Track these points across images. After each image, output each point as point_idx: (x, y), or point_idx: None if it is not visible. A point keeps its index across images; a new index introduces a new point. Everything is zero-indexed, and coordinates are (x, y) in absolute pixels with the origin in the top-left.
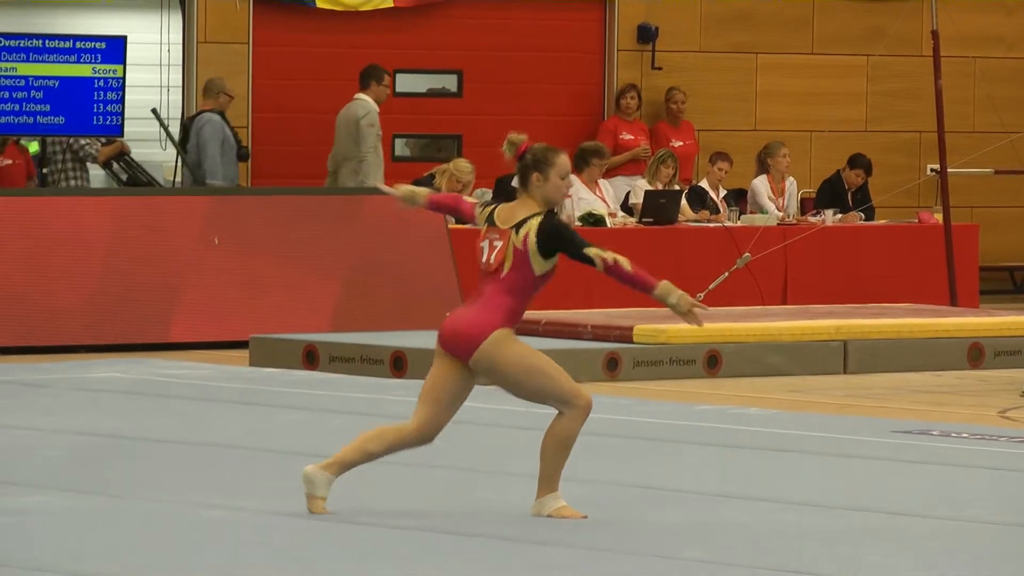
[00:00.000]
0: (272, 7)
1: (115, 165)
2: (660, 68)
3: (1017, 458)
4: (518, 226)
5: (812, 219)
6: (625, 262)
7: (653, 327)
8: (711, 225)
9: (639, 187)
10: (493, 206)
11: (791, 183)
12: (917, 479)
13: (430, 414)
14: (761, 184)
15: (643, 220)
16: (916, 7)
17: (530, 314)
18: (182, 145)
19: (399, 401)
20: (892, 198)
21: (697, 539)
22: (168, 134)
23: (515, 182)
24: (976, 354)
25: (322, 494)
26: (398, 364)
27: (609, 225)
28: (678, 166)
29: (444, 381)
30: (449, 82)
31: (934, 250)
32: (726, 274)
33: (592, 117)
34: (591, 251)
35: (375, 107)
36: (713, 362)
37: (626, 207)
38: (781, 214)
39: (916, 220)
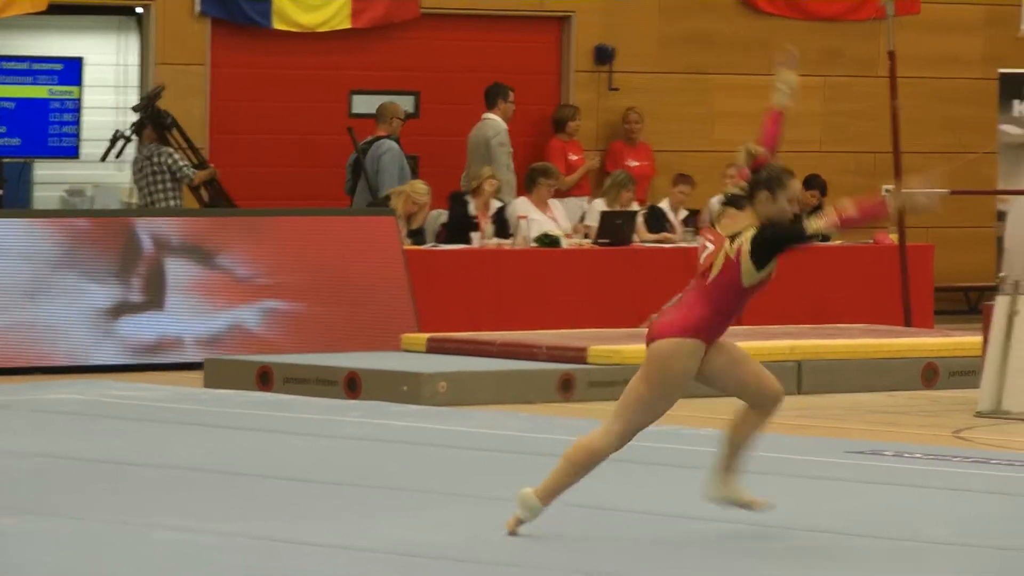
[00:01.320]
0: (229, 28)
1: (201, 189)
2: (617, 89)
3: (971, 478)
4: (734, 236)
5: None
6: (846, 208)
7: (607, 347)
8: (667, 246)
9: (595, 207)
10: (724, 202)
11: None
12: (871, 500)
13: (748, 399)
14: (717, 205)
15: (599, 241)
16: (873, 28)
17: (484, 335)
18: (358, 170)
19: (354, 422)
20: None
21: (650, 558)
22: (359, 156)
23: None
24: (930, 374)
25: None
26: (352, 385)
27: (564, 246)
28: (635, 188)
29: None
30: (406, 103)
31: (889, 270)
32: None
33: (547, 137)
34: (814, 227)
35: (504, 126)
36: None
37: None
38: None
39: (872, 241)
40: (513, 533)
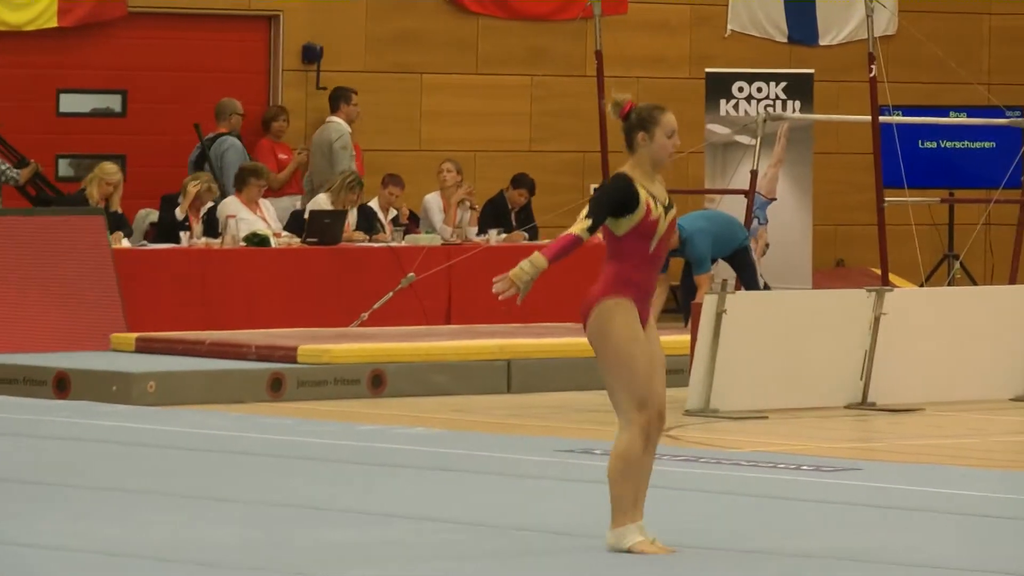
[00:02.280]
0: None
1: (27, 187)
2: (325, 88)
3: (681, 477)
4: None
5: (476, 239)
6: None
7: (317, 347)
8: (376, 245)
9: (320, 202)
10: None
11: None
12: (581, 498)
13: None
14: (433, 201)
15: (308, 240)
16: (580, 28)
17: (193, 334)
18: (201, 164)
19: (62, 422)
20: (556, 218)
21: (360, 559)
22: (203, 151)
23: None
24: None
25: (641, 537)
26: (61, 385)
27: (274, 245)
28: (362, 191)
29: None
30: (113, 102)
31: (599, 269)
32: (390, 294)
33: (258, 136)
34: (580, 227)
35: (347, 128)
36: (377, 382)
37: (297, 226)
38: (452, 230)
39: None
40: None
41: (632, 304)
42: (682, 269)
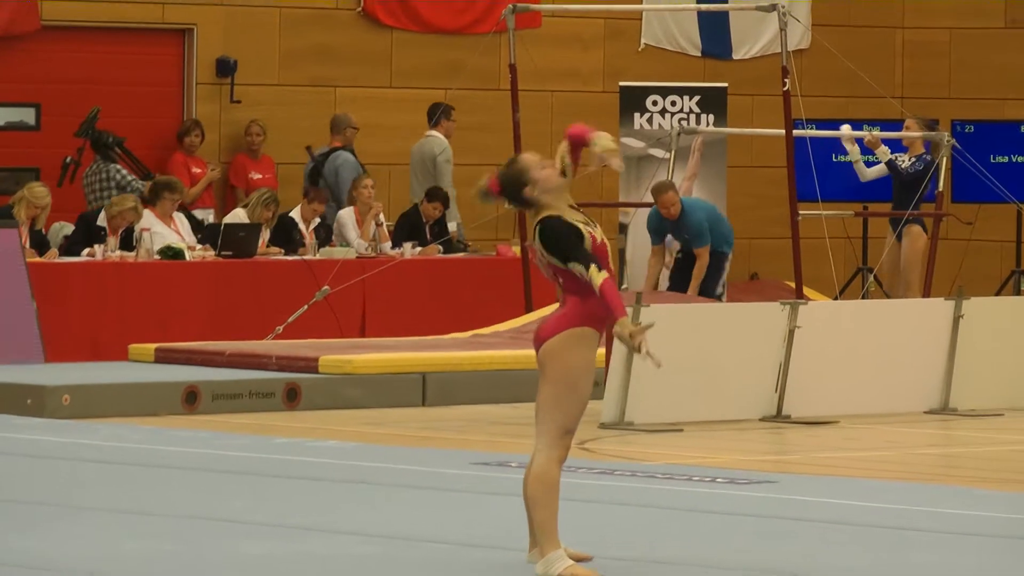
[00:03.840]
0: None
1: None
2: (239, 101)
3: (596, 489)
4: (534, 234)
5: (391, 252)
6: (602, 283)
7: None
8: (291, 258)
9: (237, 215)
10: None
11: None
12: (496, 510)
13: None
14: (348, 216)
15: (222, 253)
16: (494, 42)
17: (214, 345)
18: (315, 179)
19: None
20: (471, 231)
21: (276, 573)
22: (317, 166)
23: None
24: None
25: (570, 562)
26: None
27: (188, 258)
28: (277, 208)
29: (539, 393)
30: (27, 115)
31: (513, 282)
32: (305, 307)
33: (171, 151)
34: (577, 268)
35: (447, 143)
36: (292, 395)
37: (213, 239)
38: (367, 244)
39: (495, 253)
40: None
41: (596, 340)
42: (673, 263)
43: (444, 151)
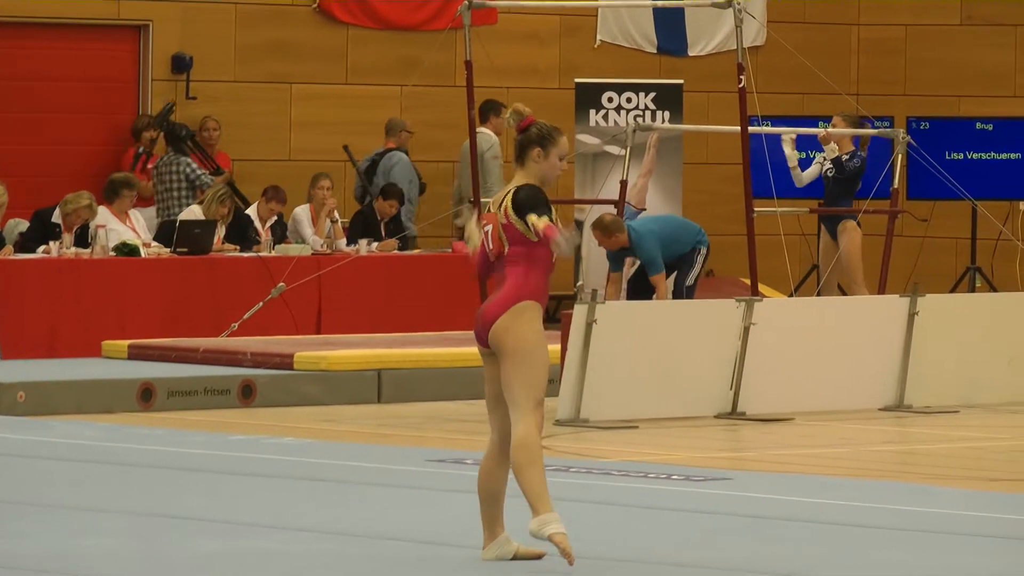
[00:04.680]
0: None
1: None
2: (195, 98)
3: (549, 486)
4: (500, 202)
5: (346, 248)
6: (544, 225)
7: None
8: (246, 255)
9: (192, 212)
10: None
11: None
12: (452, 507)
13: (498, 418)
14: (303, 213)
15: (178, 250)
16: (450, 38)
17: (186, 341)
18: (371, 179)
19: None
20: (427, 228)
21: (232, 569)
22: (372, 166)
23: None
24: None
25: (512, 547)
26: None
27: (143, 255)
28: (234, 204)
29: (489, 381)
30: None
31: (467, 279)
32: (260, 304)
33: (126, 147)
34: (530, 217)
35: (496, 139)
36: (248, 392)
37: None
38: (323, 241)
39: (450, 250)
40: (568, 555)
41: (541, 313)
42: (632, 273)
43: (492, 147)
